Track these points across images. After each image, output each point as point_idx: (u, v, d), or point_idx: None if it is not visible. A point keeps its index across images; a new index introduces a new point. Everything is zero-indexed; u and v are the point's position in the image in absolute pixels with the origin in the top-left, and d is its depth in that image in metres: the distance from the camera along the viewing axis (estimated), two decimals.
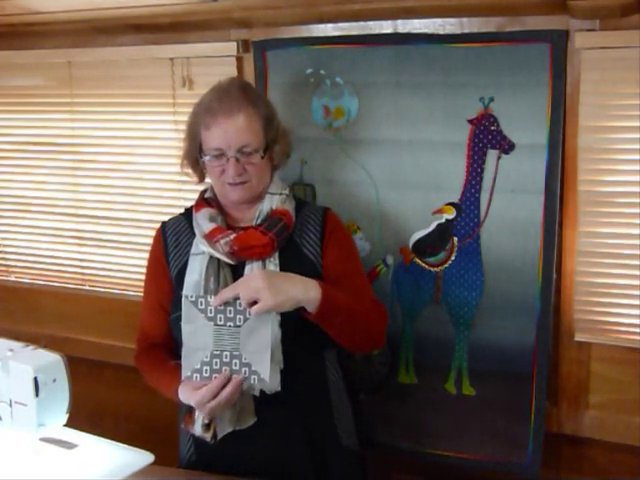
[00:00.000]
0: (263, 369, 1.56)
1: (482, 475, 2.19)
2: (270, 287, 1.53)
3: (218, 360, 1.57)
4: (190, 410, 1.70)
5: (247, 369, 1.57)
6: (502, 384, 2.09)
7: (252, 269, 1.71)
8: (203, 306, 1.56)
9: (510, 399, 2.08)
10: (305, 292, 1.59)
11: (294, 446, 1.76)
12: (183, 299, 1.57)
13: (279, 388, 1.60)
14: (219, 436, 1.68)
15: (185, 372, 1.58)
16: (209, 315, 1.57)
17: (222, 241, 1.73)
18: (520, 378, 2.06)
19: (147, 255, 1.95)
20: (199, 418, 1.67)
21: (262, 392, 1.62)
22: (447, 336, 2.13)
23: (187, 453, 1.86)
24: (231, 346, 1.57)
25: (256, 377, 1.57)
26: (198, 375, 1.57)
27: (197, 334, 1.57)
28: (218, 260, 1.75)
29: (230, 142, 1.72)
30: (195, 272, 1.76)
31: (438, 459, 2.21)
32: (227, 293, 1.56)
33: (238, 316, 1.56)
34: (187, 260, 1.80)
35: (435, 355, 2.16)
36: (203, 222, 1.79)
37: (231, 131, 1.72)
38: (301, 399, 1.76)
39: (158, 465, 1.64)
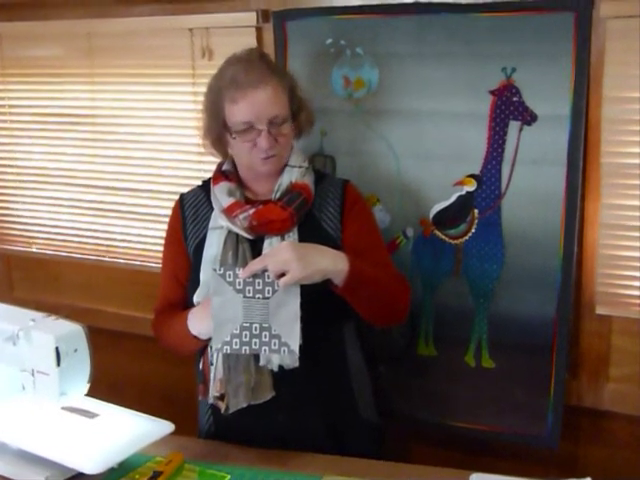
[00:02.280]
0: (293, 341, 1.58)
1: (500, 447, 2.20)
2: (299, 259, 1.53)
3: (248, 332, 1.58)
4: (204, 379, 1.73)
5: (277, 341, 1.58)
6: (521, 356, 2.08)
7: (271, 244, 1.71)
8: (231, 278, 1.57)
9: (529, 371, 2.08)
10: (333, 264, 1.58)
11: (312, 419, 1.77)
12: (211, 272, 1.58)
13: (297, 363, 1.61)
14: (232, 410, 1.69)
15: (215, 344, 1.60)
16: (237, 287, 1.57)
17: (241, 216, 1.72)
18: (540, 350, 2.05)
19: (166, 227, 1.96)
20: (212, 389, 1.70)
21: (280, 367, 1.65)
22: (467, 308, 2.13)
23: (206, 424, 1.87)
24: (260, 318, 1.58)
25: (285, 349, 1.58)
26: (228, 347, 1.59)
27: (226, 307, 1.58)
28: (237, 235, 1.74)
29: (260, 114, 1.69)
30: (213, 247, 1.76)
31: (457, 431, 2.21)
32: (255, 265, 1.56)
33: (267, 288, 1.57)
34: (205, 234, 1.80)
35: (455, 327, 2.16)
36: (221, 196, 1.78)
37: (260, 103, 1.69)
38: (320, 372, 1.76)
39: (178, 435, 1.66)
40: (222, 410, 1.70)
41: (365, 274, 1.64)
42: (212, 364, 1.73)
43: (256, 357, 1.66)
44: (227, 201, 1.76)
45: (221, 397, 1.70)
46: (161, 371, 2.62)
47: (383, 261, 1.80)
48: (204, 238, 1.79)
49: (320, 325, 1.69)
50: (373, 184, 2.17)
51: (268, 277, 1.56)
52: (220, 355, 1.69)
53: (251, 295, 1.57)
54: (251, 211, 1.72)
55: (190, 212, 1.87)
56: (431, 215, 2.14)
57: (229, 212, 1.75)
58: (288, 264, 1.53)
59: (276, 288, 1.56)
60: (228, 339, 1.59)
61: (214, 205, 1.80)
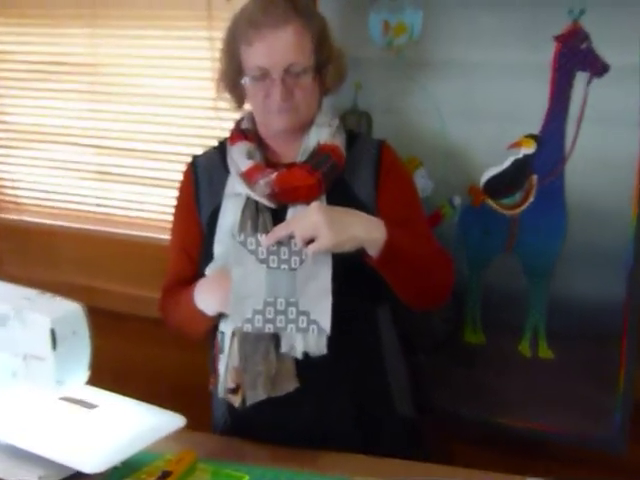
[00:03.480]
0: (323, 318, 1.58)
1: (558, 449, 2.18)
2: (330, 224, 1.53)
3: (272, 308, 1.59)
4: (215, 368, 1.75)
5: (305, 318, 1.60)
6: (585, 346, 2.06)
7: (295, 213, 1.72)
8: (253, 246, 1.59)
9: (594, 363, 2.06)
10: (368, 231, 1.59)
11: (342, 412, 1.78)
12: (230, 240, 1.61)
13: (325, 350, 1.63)
14: (249, 403, 1.70)
15: (235, 322, 1.62)
16: (260, 257, 1.59)
17: (262, 182, 1.72)
18: (607, 340, 2.03)
19: (176, 193, 1.97)
20: (224, 380, 1.71)
21: (305, 354, 1.65)
22: (521, 291, 2.10)
23: (221, 417, 1.87)
24: (286, 292, 1.59)
25: (315, 327, 1.60)
26: (250, 326, 1.60)
27: (247, 279, 1.59)
28: (256, 203, 1.75)
29: (276, 60, 1.69)
30: (230, 216, 1.77)
31: (507, 430, 2.20)
32: (280, 231, 1.57)
33: (293, 258, 1.58)
34: (220, 202, 1.81)
35: (507, 312, 2.14)
36: (239, 158, 1.79)
37: (277, 47, 1.68)
38: (350, 361, 1.77)
39: (190, 429, 1.65)
40: (237, 404, 1.71)
41: (404, 246, 1.64)
42: (222, 351, 1.74)
43: (277, 343, 1.67)
44: (246, 164, 1.77)
45: (235, 389, 1.71)
46: (171, 357, 2.62)
47: (424, 234, 1.80)
48: (219, 206, 1.80)
49: (352, 303, 1.70)
50: (414, 146, 2.14)
51: (295, 245, 1.57)
52: (235, 340, 1.71)
53: (276, 266, 1.59)
54: (273, 176, 1.72)
55: (204, 177, 1.88)
56: (482, 182, 2.11)
57: (248, 177, 1.75)
58: (317, 229, 1.53)
59: (304, 258, 1.57)
60: (250, 316, 1.60)
61: (231, 169, 1.80)
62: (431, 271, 1.72)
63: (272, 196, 1.72)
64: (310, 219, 1.55)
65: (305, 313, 1.59)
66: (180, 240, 1.91)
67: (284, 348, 1.65)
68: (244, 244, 1.58)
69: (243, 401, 1.70)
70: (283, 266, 1.59)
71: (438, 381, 2.26)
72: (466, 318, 2.21)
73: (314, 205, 1.59)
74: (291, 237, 1.57)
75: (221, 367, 1.74)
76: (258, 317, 1.60)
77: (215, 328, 1.79)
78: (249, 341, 1.68)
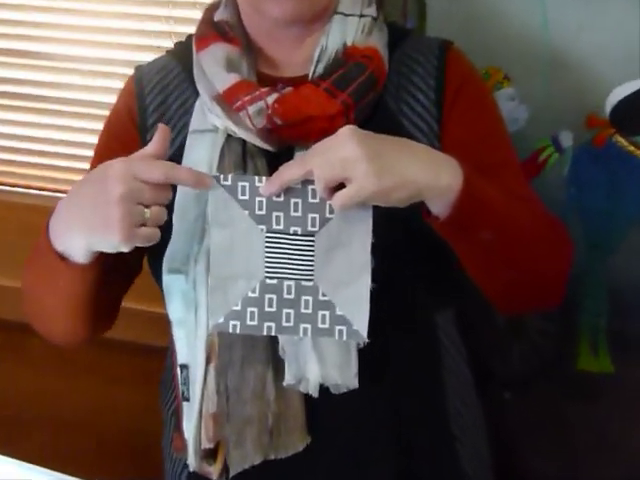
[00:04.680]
0: (358, 313, 1.34)
1: None
2: (371, 158, 1.26)
3: (274, 296, 1.36)
4: (178, 421, 1.54)
5: (328, 314, 1.35)
6: None
7: None
8: (247, 196, 1.35)
9: None
10: (433, 173, 1.32)
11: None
12: (210, 184, 1.35)
13: (356, 383, 1.40)
14: (234, 471, 1.46)
15: (215, 317, 1.37)
16: (257, 213, 1.34)
17: (251, 109, 1.48)
18: None
19: (98, 126, 1.74)
20: (195, 442, 1.49)
21: (324, 389, 1.42)
22: None
23: None
24: (298, 271, 1.36)
25: (344, 328, 1.35)
26: (238, 323, 1.36)
27: (235, 249, 1.36)
28: (243, 143, 1.51)
29: None
30: (200, 164, 1.50)
31: None
32: (290, 171, 1.32)
33: (310, 215, 1.34)
34: (183, 141, 1.57)
35: None
36: (214, 72, 1.56)
37: None
38: (391, 401, 1.55)
39: None
40: (215, 477, 1.47)
41: (491, 201, 1.40)
42: (188, 397, 1.50)
43: (277, 370, 1.44)
44: (226, 80, 1.53)
45: (212, 451, 1.47)
46: (94, 393, 2.35)
47: (520, 188, 1.57)
48: (181, 147, 1.56)
49: (397, 310, 1.49)
50: (498, 51, 1.94)
51: (313, 194, 1.32)
52: (211, 370, 1.47)
53: (282, 227, 1.34)
54: (270, 99, 1.48)
55: (155, 97, 1.64)
56: (607, 108, 1.88)
57: (229, 100, 1.50)
58: (351, 167, 1.26)
59: (328, 215, 1.32)
60: (239, 307, 1.36)
61: (199, 87, 1.56)
62: (535, 246, 1.49)
63: (268, 133, 1.49)
64: (339, 152, 1.27)
65: (328, 305, 1.34)
66: None
67: (289, 377, 1.41)
68: (232, 191, 1.32)
69: (225, 471, 1.47)
70: (294, 228, 1.33)
71: (534, 432, 2.04)
72: (581, 332, 2.00)
73: (345, 130, 1.31)
74: (307, 182, 1.30)
75: (188, 422, 1.51)
76: (252, 310, 1.35)
77: (172, 363, 1.56)
78: (233, 366, 1.45)
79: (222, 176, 1.35)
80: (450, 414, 1.62)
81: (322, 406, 1.45)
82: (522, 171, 1.66)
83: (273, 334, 1.37)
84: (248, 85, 1.51)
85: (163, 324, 1.53)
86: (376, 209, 1.31)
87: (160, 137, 1.33)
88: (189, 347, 1.50)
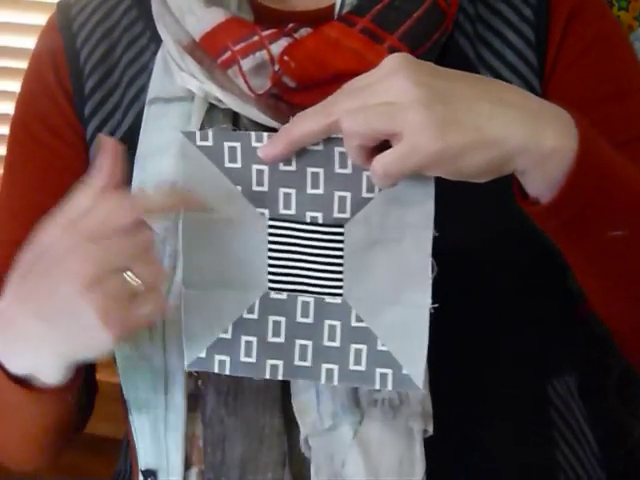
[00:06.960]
0: (411, 348, 1.01)
1: None
2: (430, 102, 0.91)
3: (282, 320, 1.05)
4: None
5: (365, 349, 1.04)
6: None
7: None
8: (238, 163, 1.03)
9: None
10: (533, 129, 0.95)
11: None
12: (178, 144, 1.05)
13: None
14: None
15: (193, 351, 1.05)
16: (255, 189, 1.03)
17: (247, 62, 1.12)
18: None
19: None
20: None
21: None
22: None
23: None
24: (319, 280, 1.03)
25: (389, 373, 1.03)
26: (227, 360, 1.05)
27: (221, 246, 1.07)
28: (234, 117, 1.16)
29: None
30: (164, 152, 1.15)
31: None
32: (305, 123, 0.97)
33: (337, 194, 1.01)
34: (139, 115, 1.21)
35: None
36: (188, 3, 1.20)
37: None
38: None
39: None
40: None
41: (626, 179, 1.03)
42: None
43: (299, 478, 1.07)
44: (206, 18, 1.17)
45: None
46: None
47: None
48: (134, 125, 1.20)
49: (484, 370, 1.13)
50: None
51: (342, 161, 0.99)
52: (194, 474, 1.12)
53: (292, 213, 1.02)
54: (277, 47, 1.12)
55: (93, 50, 1.28)
56: None
57: (211, 49, 1.16)
58: (400, 115, 0.91)
59: (365, 195, 1.00)
60: (228, 336, 1.05)
61: (162, 30, 1.19)
62: None
63: (274, 101, 1.15)
64: (382, 93, 0.92)
65: (366, 335, 1.02)
66: (22, 188, 1.32)
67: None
68: (215, 155, 1.01)
69: None
70: (312, 215, 1.00)
71: None
72: None
73: (392, 60, 0.96)
74: (332, 140, 0.95)
75: None
76: (247, 340, 1.04)
77: (128, 468, 1.25)
78: (229, 473, 1.10)
79: (199, 133, 1.02)
80: None
81: None
82: None
83: (280, 378, 1.02)
84: (240, 25, 1.12)
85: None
86: (440, 185, 0.94)
87: (108, 158, 0.96)
88: (156, 443, 1.11)
